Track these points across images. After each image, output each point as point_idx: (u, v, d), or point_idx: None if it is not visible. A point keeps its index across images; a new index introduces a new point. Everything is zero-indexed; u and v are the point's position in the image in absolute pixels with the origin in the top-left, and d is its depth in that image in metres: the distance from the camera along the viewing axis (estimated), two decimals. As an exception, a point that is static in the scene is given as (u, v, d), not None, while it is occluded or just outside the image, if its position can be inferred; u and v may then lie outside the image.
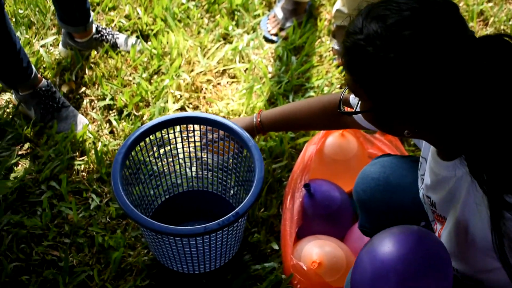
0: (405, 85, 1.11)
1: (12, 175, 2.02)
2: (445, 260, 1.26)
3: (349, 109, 1.55)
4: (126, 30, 2.47)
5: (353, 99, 1.54)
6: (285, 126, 1.79)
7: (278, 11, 2.52)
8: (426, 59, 1.08)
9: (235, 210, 1.51)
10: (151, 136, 1.73)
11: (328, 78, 2.34)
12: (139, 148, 1.71)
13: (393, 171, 1.60)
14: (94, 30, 2.35)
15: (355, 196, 1.66)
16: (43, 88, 2.14)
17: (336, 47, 2.41)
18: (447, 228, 1.33)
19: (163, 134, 1.75)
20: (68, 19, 2.26)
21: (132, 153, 1.68)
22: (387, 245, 1.28)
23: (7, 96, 2.24)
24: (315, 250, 1.76)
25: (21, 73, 2.08)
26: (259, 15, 2.55)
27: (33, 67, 2.12)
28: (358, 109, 1.25)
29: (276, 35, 2.50)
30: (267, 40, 2.50)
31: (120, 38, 2.39)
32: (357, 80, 1.17)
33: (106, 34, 2.37)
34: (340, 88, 2.31)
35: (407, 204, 1.55)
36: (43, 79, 2.16)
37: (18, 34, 2.40)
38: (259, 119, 1.77)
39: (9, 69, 2.06)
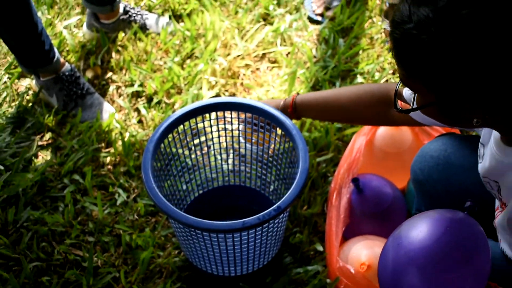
0: (472, 69, 1.10)
1: (32, 167, 2.09)
2: (480, 253, 1.26)
3: (404, 106, 1.53)
4: (157, 10, 2.53)
5: (408, 93, 1.53)
6: (322, 113, 1.75)
7: (324, -12, 2.54)
8: (492, 37, 1.08)
9: (276, 204, 1.55)
10: (183, 125, 1.77)
11: (379, 62, 2.36)
12: (171, 137, 1.75)
13: (455, 150, 1.59)
14: (121, 10, 2.40)
15: (412, 176, 1.66)
16: (66, 73, 2.20)
17: (389, 28, 2.41)
18: (506, 214, 1.35)
19: (197, 122, 1.79)
20: (93, -2, 2.32)
21: (163, 144, 1.72)
22: (414, 232, 1.27)
23: (27, 82, 2.32)
24: (364, 252, 1.78)
25: (43, 57, 2.13)
26: (303, -7, 2.58)
27: (56, 50, 2.18)
28: (415, 105, 1.24)
29: (321, 15, 2.53)
30: (312, 20, 2.53)
31: (150, 18, 2.44)
32: (414, 74, 1.17)
33: (134, 14, 2.42)
34: (393, 74, 2.34)
35: (469, 186, 1.55)
36: (66, 63, 2.22)
37: (39, 14, 2.47)
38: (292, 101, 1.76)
39: (29, 52, 2.11)
